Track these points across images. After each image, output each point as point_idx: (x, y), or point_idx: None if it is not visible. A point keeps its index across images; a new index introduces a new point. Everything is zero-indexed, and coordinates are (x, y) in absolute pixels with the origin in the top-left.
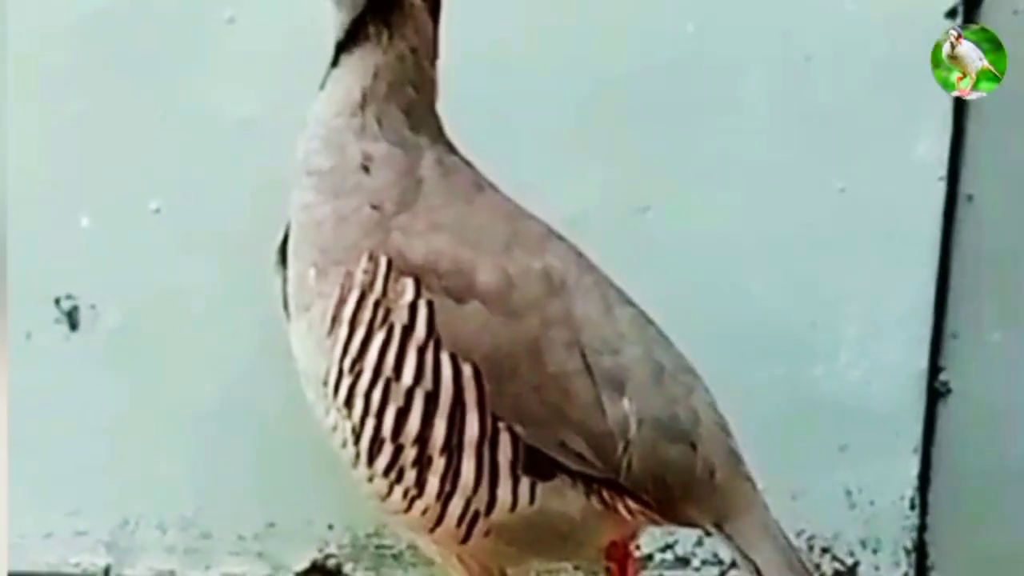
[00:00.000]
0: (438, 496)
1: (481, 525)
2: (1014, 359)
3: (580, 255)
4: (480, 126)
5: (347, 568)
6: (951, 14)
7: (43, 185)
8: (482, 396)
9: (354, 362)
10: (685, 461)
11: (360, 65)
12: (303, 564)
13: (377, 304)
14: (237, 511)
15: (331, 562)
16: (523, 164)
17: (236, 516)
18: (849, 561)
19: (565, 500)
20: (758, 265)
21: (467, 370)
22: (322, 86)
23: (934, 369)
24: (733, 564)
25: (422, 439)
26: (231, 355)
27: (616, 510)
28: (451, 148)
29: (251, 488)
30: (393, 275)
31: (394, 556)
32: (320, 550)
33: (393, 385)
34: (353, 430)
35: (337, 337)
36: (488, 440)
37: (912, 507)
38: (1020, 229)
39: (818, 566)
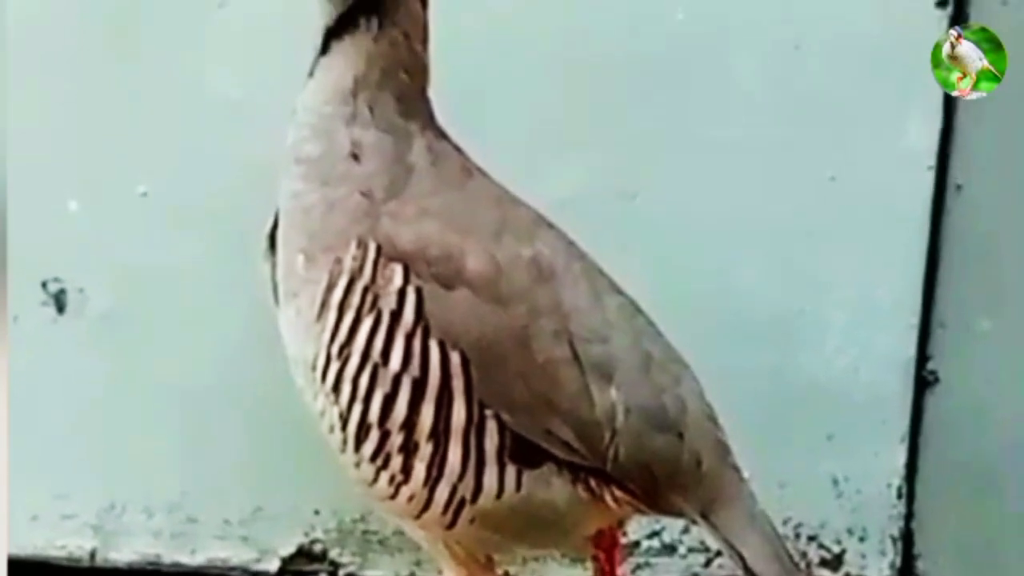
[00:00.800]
0: (424, 482)
1: (467, 512)
2: (1002, 348)
3: (570, 242)
4: (467, 112)
5: (333, 553)
6: (941, 3)
7: (31, 169)
8: (469, 383)
9: (342, 348)
10: (672, 451)
11: (352, 52)
12: (289, 549)
13: (366, 290)
14: (223, 495)
15: (317, 547)
16: (511, 150)
17: (222, 500)
18: (836, 549)
19: (551, 488)
20: (747, 253)
21: (455, 357)
22: (311, 74)
23: (922, 358)
24: (720, 552)
25: (409, 425)
26: (219, 339)
27: (602, 499)
28: (441, 134)
29: (238, 473)
30: (382, 261)
31: (380, 542)
32: (306, 535)
33: (380, 371)
34: (340, 415)
35: (325, 323)
36: (475, 427)
37: (899, 496)
38: (1009, 218)
39: (804, 554)
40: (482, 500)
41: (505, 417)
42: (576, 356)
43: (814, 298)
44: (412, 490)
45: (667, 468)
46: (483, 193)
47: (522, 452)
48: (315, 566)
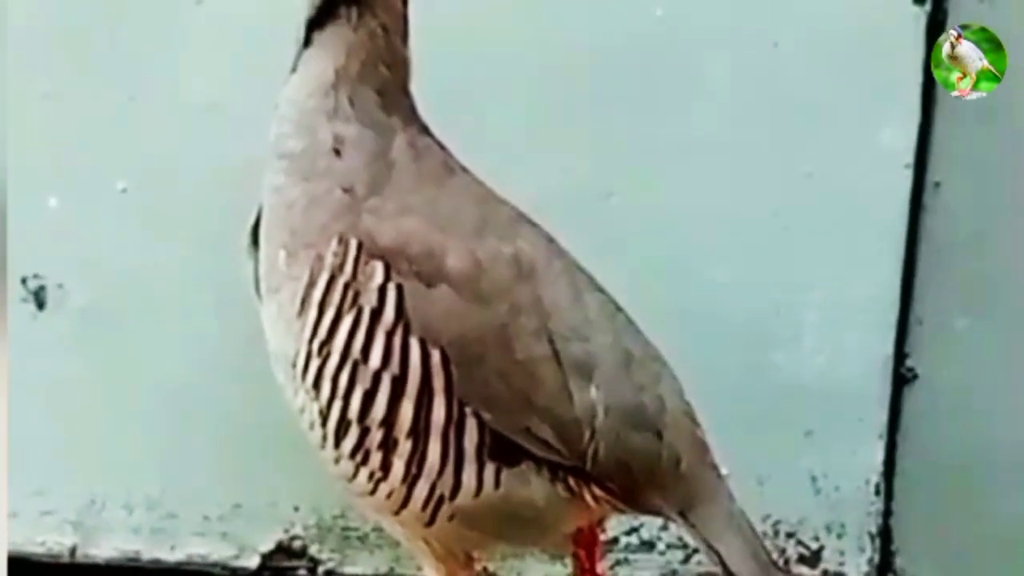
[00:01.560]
0: (403, 479)
1: (446, 509)
2: (980, 345)
3: (551, 240)
4: (443, 109)
5: (312, 550)
6: (919, 1)
7: (10, 165)
8: (449, 381)
9: (322, 344)
10: (651, 450)
11: (333, 43)
12: (268, 545)
13: (347, 287)
14: (203, 492)
15: (296, 544)
16: (487, 149)
17: (202, 497)
18: (814, 546)
19: (530, 486)
20: (724, 250)
21: (435, 354)
22: (293, 68)
23: (900, 355)
24: (698, 549)
25: (388, 422)
26: (198, 335)
27: (582, 497)
28: (424, 129)
29: (217, 469)
30: (363, 258)
31: (360, 538)
32: (286, 531)
33: (360, 368)
34: (320, 412)
35: (306, 319)
36: (454, 425)
37: (877, 493)
38: (987, 216)
39: (783, 551)
40: (461, 498)
41: (485, 415)
42: (556, 354)
43: (792, 295)
44: (391, 486)
45: (646, 467)
46: (465, 190)
47: (501, 450)
48: (294, 562)
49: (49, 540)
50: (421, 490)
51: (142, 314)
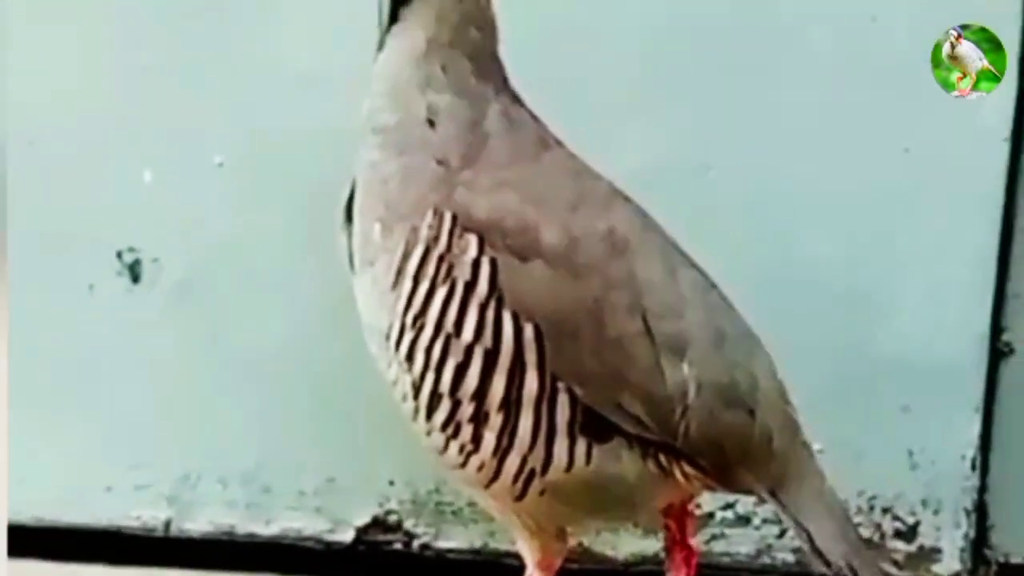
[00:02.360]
0: (494, 452)
1: (536, 484)
2: None
3: (645, 216)
4: (538, 83)
5: (408, 524)
6: None
7: (107, 139)
8: (542, 355)
9: (416, 317)
10: (743, 427)
11: (421, 13)
12: (363, 519)
13: (441, 259)
14: (298, 466)
15: (392, 518)
16: (583, 123)
17: (297, 471)
18: (910, 521)
19: (621, 463)
20: (821, 225)
21: (528, 329)
22: (380, 46)
23: (996, 329)
24: None
25: (480, 395)
26: (293, 309)
27: (672, 474)
28: (516, 98)
29: (312, 443)
30: (457, 231)
31: (454, 512)
32: (380, 505)
33: (453, 341)
34: (413, 384)
35: (400, 291)
36: (547, 399)
37: (973, 468)
38: None
39: (879, 526)
40: (551, 472)
41: (577, 390)
42: (649, 331)
43: (888, 270)
44: (481, 459)
45: (737, 445)
46: (559, 165)
47: (593, 426)
48: (389, 536)
49: (144, 514)
50: (512, 464)
51: (236, 288)
